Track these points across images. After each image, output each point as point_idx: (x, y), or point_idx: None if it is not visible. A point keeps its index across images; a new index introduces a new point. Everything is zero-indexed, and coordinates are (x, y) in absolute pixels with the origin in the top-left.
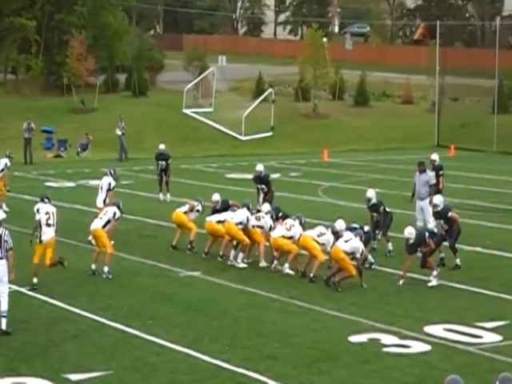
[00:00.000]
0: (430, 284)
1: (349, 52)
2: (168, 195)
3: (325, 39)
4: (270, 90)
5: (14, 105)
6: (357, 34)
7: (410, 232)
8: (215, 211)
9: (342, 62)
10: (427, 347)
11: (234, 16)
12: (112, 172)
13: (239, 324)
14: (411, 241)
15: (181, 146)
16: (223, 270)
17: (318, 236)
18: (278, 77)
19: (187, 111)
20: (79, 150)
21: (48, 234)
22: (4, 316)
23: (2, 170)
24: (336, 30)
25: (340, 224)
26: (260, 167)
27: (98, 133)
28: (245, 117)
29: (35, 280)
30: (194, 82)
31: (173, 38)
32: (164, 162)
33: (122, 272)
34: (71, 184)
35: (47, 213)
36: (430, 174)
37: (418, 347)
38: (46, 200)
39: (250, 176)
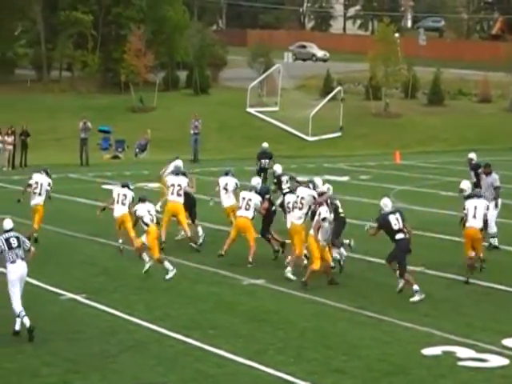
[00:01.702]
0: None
1: (422, 48)
2: None
3: (397, 34)
4: (338, 88)
5: (69, 103)
6: (431, 28)
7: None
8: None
9: (415, 59)
10: (505, 361)
11: (301, 10)
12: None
13: (305, 335)
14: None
15: (244, 147)
16: (288, 279)
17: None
18: (347, 74)
19: (251, 110)
20: (137, 150)
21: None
22: (24, 315)
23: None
24: (409, 24)
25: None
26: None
27: (158, 133)
28: (312, 116)
29: None
30: (258, 80)
31: (236, 33)
32: (267, 161)
33: (181, 279)
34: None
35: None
36: (496, 177)
37: (495, 361)
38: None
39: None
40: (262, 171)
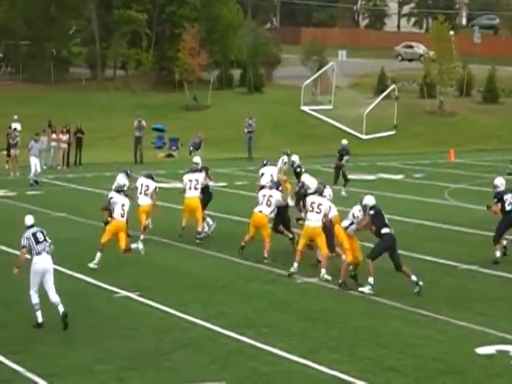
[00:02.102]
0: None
1: (477, 45)
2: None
3: (451, 32)
4: (392, 86)
5: (123, 101)
6: (485, 26)
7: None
8: None
9: (469, 56)
10: None
11: (355, 8)
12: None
13: (359, 334)
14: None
15: (298, 145)
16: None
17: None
18: (402, 72)
19: (305, 108)
20: (191, 149)
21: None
22: (60, 304)
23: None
24: (463, 22)
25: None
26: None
27: (211, 131)
28: (366, 114)
29: None
30: (312, 78)
31: (290, 31)
32: (348, 157)
33: (235, 278)
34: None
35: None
36: None
37: None
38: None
39: (370, 177)
40: (339, 168)
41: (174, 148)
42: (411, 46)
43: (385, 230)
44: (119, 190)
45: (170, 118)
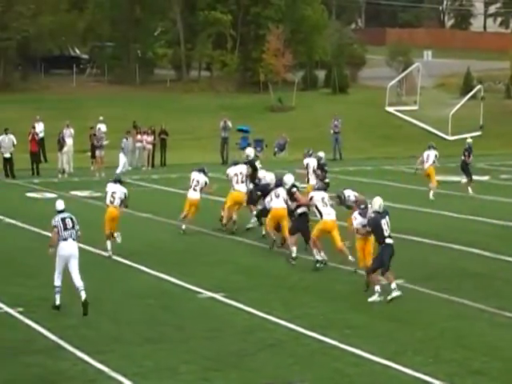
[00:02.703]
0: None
1: None
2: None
3: None
4: (478, 86)
5: (208, 103)
6: None
7: None
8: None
9: None
10: None
11: (441, 8)
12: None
13: (444, 336)
14: None
15: (383, 146)
16: (428, 279)
17: None
18: (488, 72)
19: (390, 109)
20: (276, 150)
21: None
22: (83, 289)
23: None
24: None
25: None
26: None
27: (296, 132)
28: (452, 115)
29: None
30: (397, 79)
31: (375, 31)
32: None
33: (319, 278)
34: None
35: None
36: None
37: None
38: None
39: (456, 178)
40: (466, 165)
41: (258, 149)
42: None
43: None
44: (116, 180)
45: (255, 119)
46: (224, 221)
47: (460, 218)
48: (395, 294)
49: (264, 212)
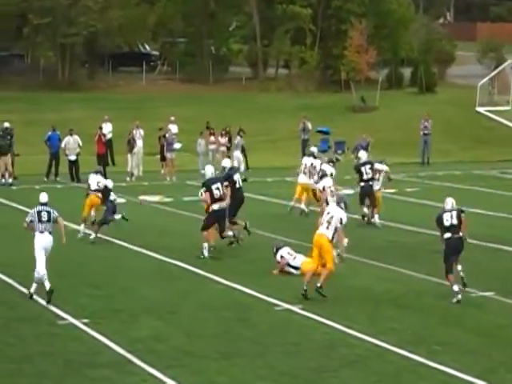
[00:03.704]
0: None
1: None
2: None
3: None
4: None
5: (286, 102)
6: None
7: None
8: None
9: None
10: None
11: None
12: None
13: None
14: None
15: (472, 149)
16: None
17: None
18: None
19: (481, 109)
20: (354, 152)
21: None
22: (46, 279)
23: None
24: None
25: None
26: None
27: (380, 134)
28: None
29: None
30: (489, 77)
31: (465, 26)
32: None
33: (405, 291)
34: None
35: None
36: None
37: None
38: None
39: None
40: None
41: (339, 152)
42: None
43: None
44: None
45: (336, 120)
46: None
47: None
48: (456, 298)
49: None
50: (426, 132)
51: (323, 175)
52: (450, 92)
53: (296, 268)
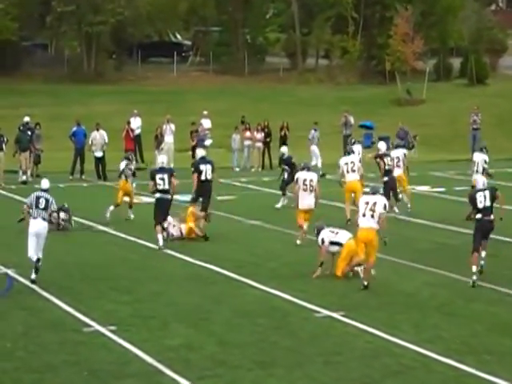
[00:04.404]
0: None
1: None
2: None
3: None
4: None
5: (326, 95)
6: None
7: None
8: None
9: None
10: None
11: None
12: None
13: None
14: None
15: None
16: None
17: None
18: None
19: None
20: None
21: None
22: (40, 264)
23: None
24: None
25: None
26: (284, 149)
27: (427, 128)
28: None
29: None
30: None
31: None
32: None
33: (454, 297)
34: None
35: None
36: None
37: None
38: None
39: None
40: None
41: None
42: None
43: None
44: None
45: (380, 114)
46: (347, 216)
47: None
48: (472, 280)
49: None
50: (475, 127)
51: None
52: (503, 84)
53: (339, 244)
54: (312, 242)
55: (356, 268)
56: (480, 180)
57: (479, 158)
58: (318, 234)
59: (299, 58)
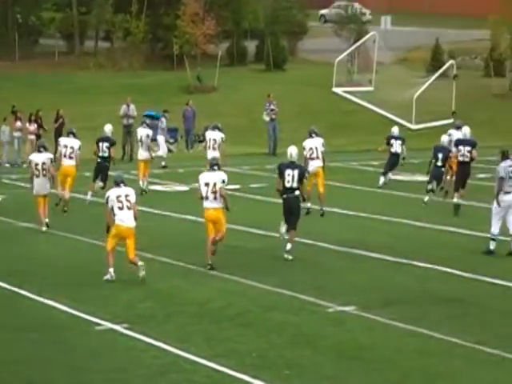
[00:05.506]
0: None
1: None
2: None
3: None
4: (450, 62)
5: (107, 82)
6: None
7: None
8: None
9: None
10: None
11: None
12: None
13: (409, 378)
14: None
15: (330, 137)
16: (386, 305)
17: None
18: (462, 44)
19: (338, 90)
20: (194, 139)
21: None
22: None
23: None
24: None
25: None
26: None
27: (219, 118)
28: (416, 98)
29: None
30: (347, 52)
31: None
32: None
33: (250, 306)
34: (183, 188)
35: None
36: None
37: None
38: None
39: (422, 178)
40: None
41: (171, 141)
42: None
43: None
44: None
45: (167, 103)
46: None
47: (427, 228)
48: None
49: None
50: (273, 117)
51: None
52: (303, 70)
53: None
54: (92, 245)
55: (139, 263)
56: (293, 150)
57: (316, 143)
58: None
59: (77, 40)
